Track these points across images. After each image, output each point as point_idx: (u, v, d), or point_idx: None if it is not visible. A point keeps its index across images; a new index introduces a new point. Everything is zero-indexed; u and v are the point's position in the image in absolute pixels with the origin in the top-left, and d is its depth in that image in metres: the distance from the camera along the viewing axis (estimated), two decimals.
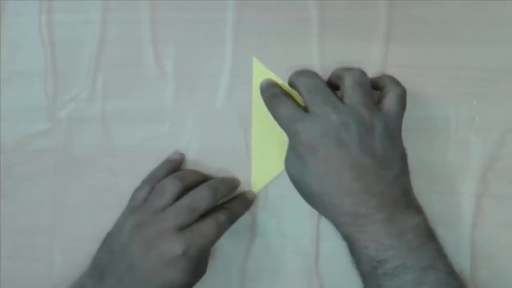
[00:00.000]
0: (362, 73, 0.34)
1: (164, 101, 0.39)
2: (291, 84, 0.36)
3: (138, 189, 0.37)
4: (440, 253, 0.31)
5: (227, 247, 0.39)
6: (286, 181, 0.38)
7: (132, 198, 0.37)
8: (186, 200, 0.34)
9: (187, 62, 0.39)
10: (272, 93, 0.36)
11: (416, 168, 0.35)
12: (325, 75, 0.38)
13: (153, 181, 0.37)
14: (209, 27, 0.39)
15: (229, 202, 0.37)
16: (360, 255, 0.31)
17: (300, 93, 0.34)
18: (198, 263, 0.33)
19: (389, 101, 0.33)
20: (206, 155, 0.39)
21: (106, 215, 0.38)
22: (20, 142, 0.41)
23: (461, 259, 0.37)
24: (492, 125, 0.37)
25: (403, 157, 0.33)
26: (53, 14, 0.40)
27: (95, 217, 0.40)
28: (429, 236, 0.32)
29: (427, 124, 0.37)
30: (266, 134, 0.38)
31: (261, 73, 0.38)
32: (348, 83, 0.33)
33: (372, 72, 0.37)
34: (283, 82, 0.38)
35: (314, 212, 0.38)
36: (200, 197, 0.34)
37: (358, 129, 0.31)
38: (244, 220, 0.39)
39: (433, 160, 0.38)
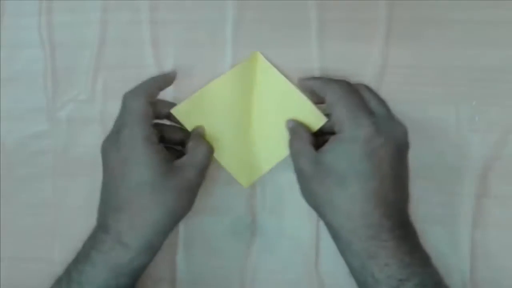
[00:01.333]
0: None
1: None
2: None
3: None
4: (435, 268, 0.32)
5: (227, 247, 0.39)
6: (286, 181, 0.38)
7: None
8: None
9: (187, 62, 0.39)
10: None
11: (416, 168, 0.35)
12: (325, 75, 0.38)
13: None
14: (209, 27, 0.39)
15: None
16: (378, 274, 0.30)
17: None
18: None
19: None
20: None
21: None
22: (20, 143, 0.41)
23: (461, 259, 0.37)
24: (492, 125, 0.37)
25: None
26: (53, 15, 0.40)
27: (95, 217, 0.40)
28: (425, 251, 0.32)
29: (427, 124, 0.37)
30: (266, 125, 0.37)
31: (264, 68, 0.37)
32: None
33: (372, 72, 0.38)
34: (285, 79, 0.37)
35: (314, 212, 0.38)
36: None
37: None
38: (244, 220, 0.39)
39: (433, 160, 0.38)
